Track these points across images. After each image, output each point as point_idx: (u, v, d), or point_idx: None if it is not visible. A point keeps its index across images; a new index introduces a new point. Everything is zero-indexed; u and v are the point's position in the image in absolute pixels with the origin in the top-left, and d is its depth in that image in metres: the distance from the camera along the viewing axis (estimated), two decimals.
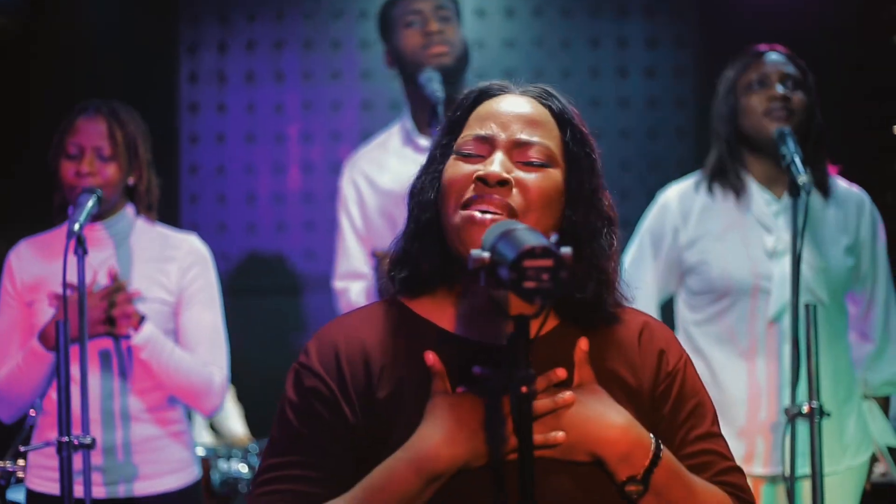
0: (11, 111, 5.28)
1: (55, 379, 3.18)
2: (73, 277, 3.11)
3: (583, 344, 1.84)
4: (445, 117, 2.00)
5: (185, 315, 3.53)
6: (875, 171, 5.29)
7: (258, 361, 4.98)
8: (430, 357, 1.79)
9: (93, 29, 5.34)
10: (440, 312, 1.91)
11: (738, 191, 3.57)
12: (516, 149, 1.87)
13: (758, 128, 3.52)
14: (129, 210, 3.54)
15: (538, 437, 1.75)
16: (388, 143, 4.13)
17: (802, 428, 3.19)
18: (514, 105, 1.92)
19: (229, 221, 5.65)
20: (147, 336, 3.36)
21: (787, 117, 3.50)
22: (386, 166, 4.03)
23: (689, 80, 5.57)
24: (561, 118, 1.94)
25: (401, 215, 3.89)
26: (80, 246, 3.10)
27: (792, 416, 3.17)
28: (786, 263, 3.43)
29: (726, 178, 3.60)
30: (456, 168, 1.87)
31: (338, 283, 4.05)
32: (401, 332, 1.90)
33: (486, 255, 1.60)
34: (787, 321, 3.38)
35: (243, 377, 4.78)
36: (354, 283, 3.99)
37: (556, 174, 1.88)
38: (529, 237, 1.57)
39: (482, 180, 1.82)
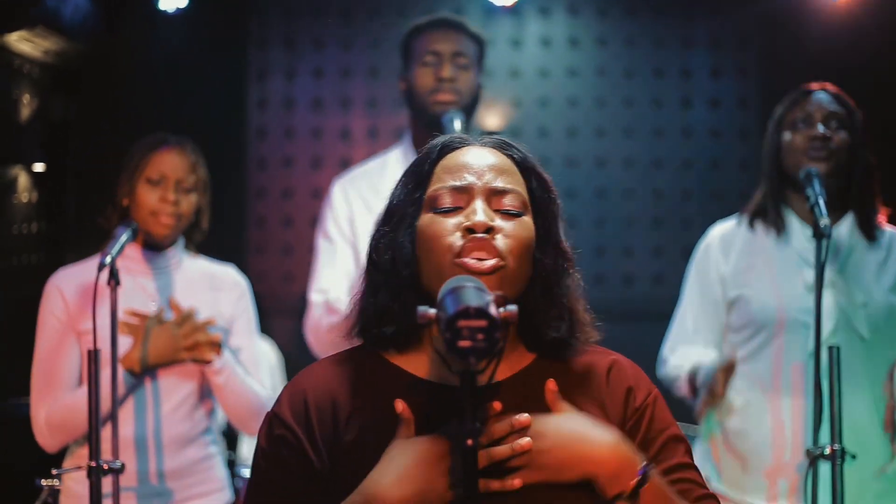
0: (85, 136, 5.40)
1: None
2: (110, 307, 3.19)
3: (551, 385, 1.87)
4: (410, 172, 2.02)
5: (237, 342, 3.65)
6: None
7: None
8: (400, 405, 1.82)
9: (163, 55, 5.45)
10: (410, 358, 1.96)
11: (779, 228, 3.58)
12: (493, 196, 1.92)
13: (797, 166, 3.51)
14: (181, 243, 3.65)
15: (495, 484, 1.79)
16: (385, 170, 4.10)
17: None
18: (481, 156, 1.97)
19: (295, 244, 5.73)
20: (226, 361, 3.49)
21: (826, 157, 3.47)
22: (381, 192, 4.04)
23: (752, 111, 5.57)
24: (523, 166, 1.99)
25: None
26: (114, 277, 3.18)
27: (813, 457, 3.14)
28: (827, 297, 3.40)
29: (767, 214, 3.60)
30: (437, 223, 1.90)
31: (315, 296, 3.97)
32: (370, 377, 1.95)
33: (433, 311, 1.64)
34: (824, 357, 3.37)
35: None
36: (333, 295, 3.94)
37: (528, 222, 1.94)
38: (471, 296, 1.60)
39: (470, 230, 1.86)
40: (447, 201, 1.92)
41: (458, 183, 1.93)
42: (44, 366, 3.50)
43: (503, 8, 5.45)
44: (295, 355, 5.61)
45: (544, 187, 2.00)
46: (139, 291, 3.52)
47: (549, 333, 1.94)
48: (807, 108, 3.57)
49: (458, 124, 3.74)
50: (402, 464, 1.78)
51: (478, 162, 1.96)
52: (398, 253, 1.95)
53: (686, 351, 3.65)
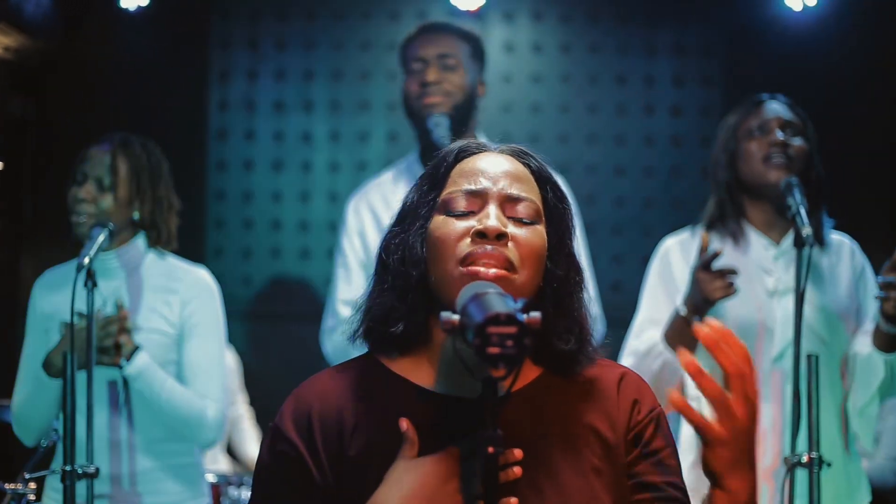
0: (41, 135, 5.35)
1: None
2: (82, 308, 3.21)
3: None
4: (426, 175, 2.02)
5: (185, 347, 3.54)
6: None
7: (279, 386, 4.98)
8: (404, 424, 1.80)
9: (124, 54, 5.41)
10: (416, 369, 1.93)
11: (737, 237, 3.59)
12: (507, 203, 1.91)
13: (756, 174, 3.53)
14: (140, 241, 3.57)
15: None
16: (397, 180, 4.16)
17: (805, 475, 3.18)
18: (498, 162, 1.96)
19: (255, 247, 5.69)
20: (139, 367, 3.38)
21: (785, 164, 3.50)
22: (391, 203, 4.06)
23: (715, 119, 5.57)
24: (539, 176, 1.99)
25: None
26: (91, 279, 3.18)
27: (791, 465, 3.16)
28: (787, 303, 3.44)
29: (725, 224, 3.61)
30: (448, 225, 1.89)
31: (343, 309, 4.02)
32: (376, 389, 1.93)
33: (456, 317, 1.63)
34: (789, 363, 3.38)
35: (265, 402, 4.80)
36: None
37: (541, 231, 1.92)
38: (496, 303, 1.59)
39: (481, 234, 1.85)
40: (461, 204, 1.91)
41: (472, 187, 1.92)
42: (27, 366, 3.52)
43: (467, 13, 5.43)
44: (253, 359, 5.58)
45: (559, 198, 1.99)
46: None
47: (559, 346, 1.92)
48: (762, 116, 3.59)
49: (443, 128, 3.76)
50: (408, 485, 1.76)
51: (494, 168, 1.95)
52: (408, 253, 1.93)
53: (653, 333, 3.61)
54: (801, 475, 3.18)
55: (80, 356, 3.23)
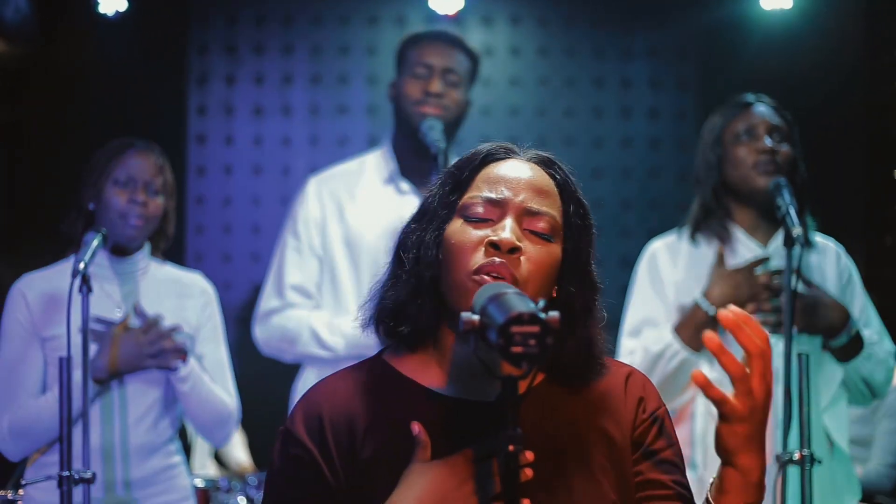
0: (18, 140, 5.34)
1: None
2: (79, 314, 3.17)
3: None
4: (450, 174, 2.01)
5: (204, 349, 3.64)
6: (875, 214, 5.36)
7: (262, 390, 5.00)
8: (416, 427, 1.81)
9: (102, 59, 5.39)
10: (425, 371, 1.94)
11: (724, 239, 3.60)
12: (526, 216, 1.90)
13: (745, 180, 3.55)
14: (147, 249, 3.61)
15: None
16: (363, 173, 4.14)
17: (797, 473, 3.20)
18: (523, 171, 1.95)
19: (234, 252, 5.70)
20: (191, 369, 3.49)
21: (774, 171, 3.52)
22: (356, 197, 4.06)
23: (690, 122, 5.62)
24: (564, 189, 1.98)
25: (359, 252, 3.90)
26: (86, 284, 3.15)
27: (783, 462, 3.17)
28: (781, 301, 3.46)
29: (710, 226, 3.62)
30: (465, 233, 1.89)
31: (292, 294, 4.02)
32: (386, 392, 1.94)
33: (476, 318, 1.64)
34: (779, 361, 3.41)
35: (248, 406, 4.81)
36: (295, 309, 4.00)
37: (556, 249, 1.92)
38: (518, 302, 1.61)
39: (494, 246, 1.85)
40: (479, 211, 1.91)
41: (493, 195, 1.92)
42: (6, 373, 3.45)
43: (446, 17, 5.46)
44: (234, 364, 5.57)
45: (581, 214, 1.98)
46: (105, 298, 3.48)
47: (566, 361, 1.94)
48: (749, 121, 3.60)
49: (437, 132, 3.77)
50: (422, 488, 1.77)
51: (517, 177, 1.94)
52: (423, 253, 1.93)
53: (654, 332, 3.62)
54: (793, 473, 3.20)
55: (130, 360, 3.34)
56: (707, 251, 3.62)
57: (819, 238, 3.67)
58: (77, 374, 3.16)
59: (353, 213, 4.01)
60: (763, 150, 3.54)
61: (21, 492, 3.35)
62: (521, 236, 1.88)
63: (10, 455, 3.46)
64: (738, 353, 1.78)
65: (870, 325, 3.63)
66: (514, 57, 5.70)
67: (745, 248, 3.59)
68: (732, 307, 1.78)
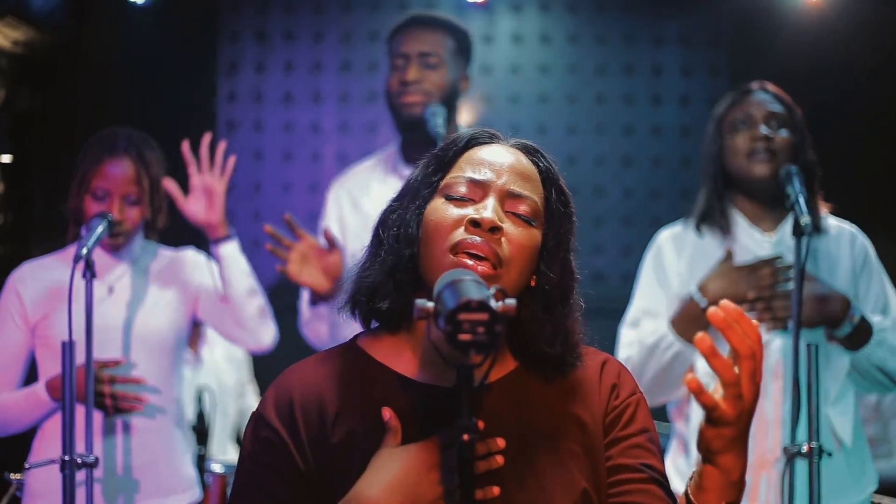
0: (49, 128, 5.37)
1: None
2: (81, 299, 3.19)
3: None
4: (433, 156, 2.00)
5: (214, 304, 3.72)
6: None
7: None
8: (387, 413, 1.81)
9: (132, 47, 5.42)
10: (398, 356, 1.93)
11: (725, 230, 3.57)
12: (508, 199, 1.90)
13: (741, 169, 3.51)
14: (139, 236, 3.64)
15: (478, 493, 1.78)
16: (376, 167, 4.15)
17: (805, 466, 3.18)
18: (507, 156, 1.95)
19: (264, 238, 5.70)
20: (230, 252, 3.69)
21: (768, 159, 3.48)
22: (370, 189, 4.06)
23: None
24: (546, 176, 1.97)
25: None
26: (89, 269, 3.17)
27: (791, 455, 3.15)
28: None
29: (713, 218, 3.59)
30: (445, 210, 1.89)
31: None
32: (358, 378, 1.93)
33: (431, 305, 1.61)
34: (773, 357, 3.39)
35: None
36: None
37: (537, 234, 1.91)
38: (470, 289, 1.58)
39: (475, 223, 1.84)
40: (461, 191, 1.90)
41: (476, 176, 1.91)
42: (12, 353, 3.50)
43: (475, 4, 5.44)
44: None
45: (563, 201, 1.97)
46: (104, 287, 3.51)
47: (542, 350, 1.92)
48: (747, 109, 3.56)
49: (439, 118, 3.74)
50: (391, 473, 1.76)
51: (501, 161, 1.93)
52: (403, 231, 1.92)
53: (652, 324, 3.62)
54: (801, 465, 3.18)
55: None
56: (712, 242, 3.58)
57: (833, 221, 3.62)
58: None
59: (368, 204, 4.02)
60: (758, 138, 3.49)
61: (18, 475, 3.40)
62: (504, 217, 1.87)
63: None
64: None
65: (888, 310, 3.59)
66: (544, 44, 5.68)
67: (748, 238, 3.55)
68: (725, 303, 1.74)
